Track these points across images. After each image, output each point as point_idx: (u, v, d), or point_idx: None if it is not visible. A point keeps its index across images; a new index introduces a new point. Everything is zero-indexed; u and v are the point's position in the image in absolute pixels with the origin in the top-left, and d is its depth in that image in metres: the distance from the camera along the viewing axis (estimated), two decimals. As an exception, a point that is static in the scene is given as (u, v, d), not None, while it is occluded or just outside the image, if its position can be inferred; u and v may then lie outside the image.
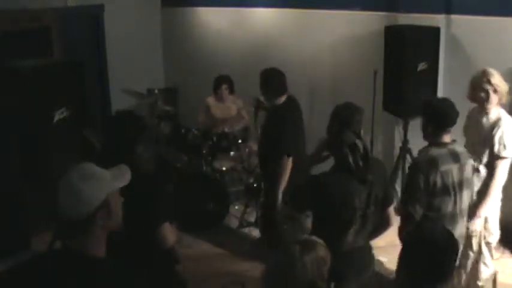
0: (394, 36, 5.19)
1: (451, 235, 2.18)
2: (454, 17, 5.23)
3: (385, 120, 5.68)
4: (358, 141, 2.96)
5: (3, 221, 4.64)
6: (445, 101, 3.45)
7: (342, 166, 2.95)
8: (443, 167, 3.23)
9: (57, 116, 4.21)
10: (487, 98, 3.82)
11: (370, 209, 3.00)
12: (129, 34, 7.09)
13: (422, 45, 5.15)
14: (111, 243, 1.98)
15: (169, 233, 2.95)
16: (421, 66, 5.12)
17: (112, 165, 2.07)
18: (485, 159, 3.89)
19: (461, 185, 3.31)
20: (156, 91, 6.74)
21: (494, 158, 3.82)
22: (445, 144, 3.30)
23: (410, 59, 5.08)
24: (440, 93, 5.29)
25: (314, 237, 2.38)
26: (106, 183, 1.94)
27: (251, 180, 5.66)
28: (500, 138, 3.80)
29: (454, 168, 3.27)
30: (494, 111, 3.88)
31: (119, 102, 6.74)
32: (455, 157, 3.30)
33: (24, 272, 1.91)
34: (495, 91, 3.81)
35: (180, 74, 7.72)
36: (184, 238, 5.05)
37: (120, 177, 2.00)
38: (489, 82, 3.80)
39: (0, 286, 1.92)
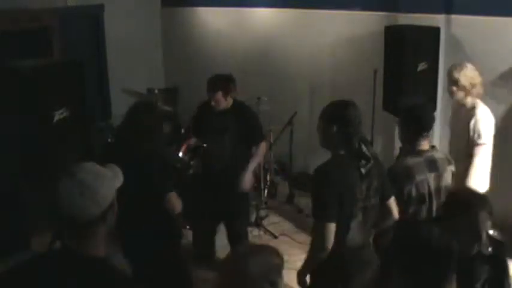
0: (394, 36, 5.18)
1: (447, 238, 2.15)
2: (454, 17, 5.23)
3: (385, 120, 5.68)
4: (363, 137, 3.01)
5: (3, 221, 4.64)
6: (421, 105, 3.49)
7: (343, 159, 2.94)
8: (419, 177, 3.21)
9: (57, 116, 4.21)
10: (467, 93, 4.01)
11: (370, 201, 3.00)
12: (129, 34, 7.09)
13: (422, 45, 5.14)
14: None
15: (176, 200, 3.28)
16: (421, 66, 5.11)
17: (115, 162, 2.03)
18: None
19: (438, 192, 3.29)
20: (156, 91, 6.74)
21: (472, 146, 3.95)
22: (422, 152, 3.28)
23: (410, 59, 5.07)
24: (440, 93, 5.28)
25: (271, 246, 2.28)
26: (113, 182, 1.92)
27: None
28: (475, 125, 3.93)
29: (430, 177, 3.25)
30: (470, 101, 4.04)
31: (119, 102, 6.74)
32: (432, 165, 3.28)
33: (24, 272, 1.90)
34: (472, 85, 3.99)
35: (180, 74, 7.72)
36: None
37: (116, 176, 1.97)
38: (465, 77, 3.98)
39: (0, 286, 1.91)
